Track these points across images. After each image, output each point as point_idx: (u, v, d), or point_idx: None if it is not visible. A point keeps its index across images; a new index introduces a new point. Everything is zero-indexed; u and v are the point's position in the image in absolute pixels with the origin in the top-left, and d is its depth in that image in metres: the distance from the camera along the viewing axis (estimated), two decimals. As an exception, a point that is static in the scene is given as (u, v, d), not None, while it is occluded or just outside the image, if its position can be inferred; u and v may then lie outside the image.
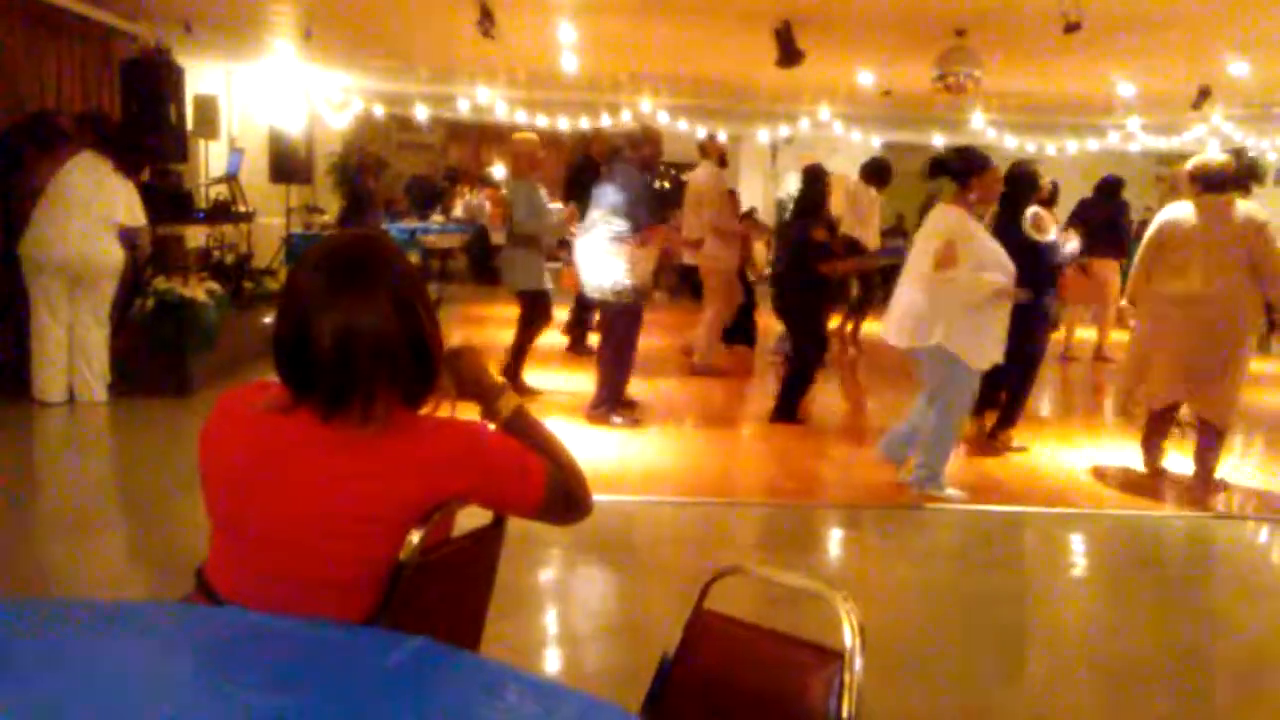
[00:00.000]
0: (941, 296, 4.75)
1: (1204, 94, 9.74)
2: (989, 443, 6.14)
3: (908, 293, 4.97)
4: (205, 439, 1.66)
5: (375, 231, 1.95)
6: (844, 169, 15.76)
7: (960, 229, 4.81)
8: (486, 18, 7.47)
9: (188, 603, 1.68)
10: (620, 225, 5.97)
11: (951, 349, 4.75)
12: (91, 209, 6.09)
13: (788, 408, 6.61)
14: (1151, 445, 5.67)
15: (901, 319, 4.97)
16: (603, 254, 6.03)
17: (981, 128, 14.73)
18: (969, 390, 4.97)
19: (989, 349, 4.84)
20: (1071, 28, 6.63)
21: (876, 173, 9.17)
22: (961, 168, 4.93)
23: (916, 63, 8.42)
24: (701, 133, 15.17)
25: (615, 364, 6.34)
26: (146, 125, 7.72)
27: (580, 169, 8.65)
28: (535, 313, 7.05)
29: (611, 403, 6.36)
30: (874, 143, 17.21)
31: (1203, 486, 5.37)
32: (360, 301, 1.53)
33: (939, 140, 16.76)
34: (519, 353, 7.05)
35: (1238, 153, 6.08)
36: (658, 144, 6.39)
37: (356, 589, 1.58)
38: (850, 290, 9.59)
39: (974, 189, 4.91)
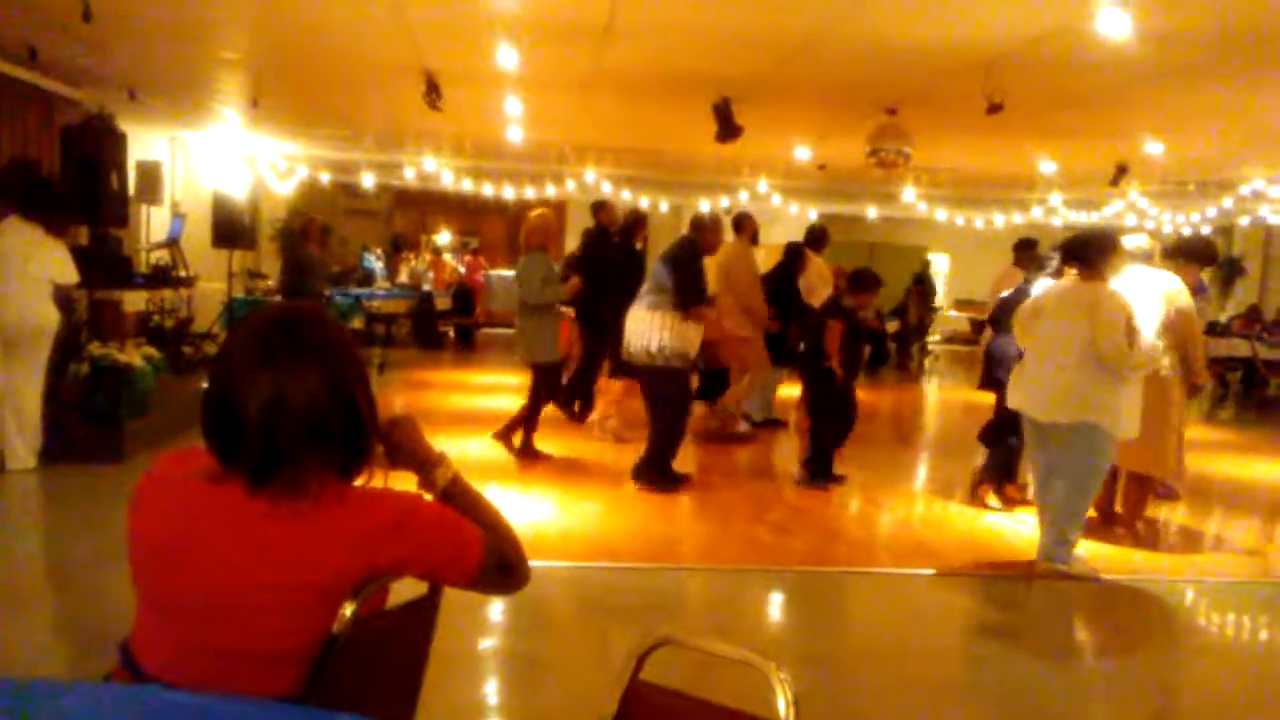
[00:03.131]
0: (1090, 371, 4.84)
1: (1121, 171, 10.22)
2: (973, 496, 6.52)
3: (1049, 367, 5.02)
4: (134, 507, 1.64)
5: (311, 302, 1.93)
6: (782, 239, 16.15)
7: (1128, 306, 4.90)
8: (433, 90, 7.62)
9: (110, 679, 1.64)
10: (670, 296, 6.26)
11: (1101, 424, 4.86)
12: (26, 271, 6.02)
13: (816, 470, 6.82)
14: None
15: (1047, 392, 5.02)
16: (652, 319, 6.27)
17: (913, 201, 15.25)
18: (1108, 462, 5.08)
19: (1134, 416, 4.96)
20: (994, 109, 6.95)
21: (816, 238, 9.41)
22: (1093, 254, 5.02)
23: (850, 139, 8.73)
24: (645, 202, 15.49)
25: (663, 427, 6.45)
26: (85, 190, 7.67)
27: (593, 238, 8.87)
28: (550, 384, 7.16)
29: (661, 470, 6.44)
30: (810, 214, 17.68)
31: (1131, 523, 5.90)
32: (289, 373, 1.55)
33: (873, 212, 17.29)
34: (530, 422, 7.15)
35: (1202, 236, 6.66)
36: (721, 231, 6.82)
37: (286, 662, 1.56)
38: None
39: (1109, 270, 5.02)
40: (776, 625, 4.69)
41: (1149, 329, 5.16)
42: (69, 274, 6.30)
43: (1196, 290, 6.20)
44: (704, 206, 17.59)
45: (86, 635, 3.82)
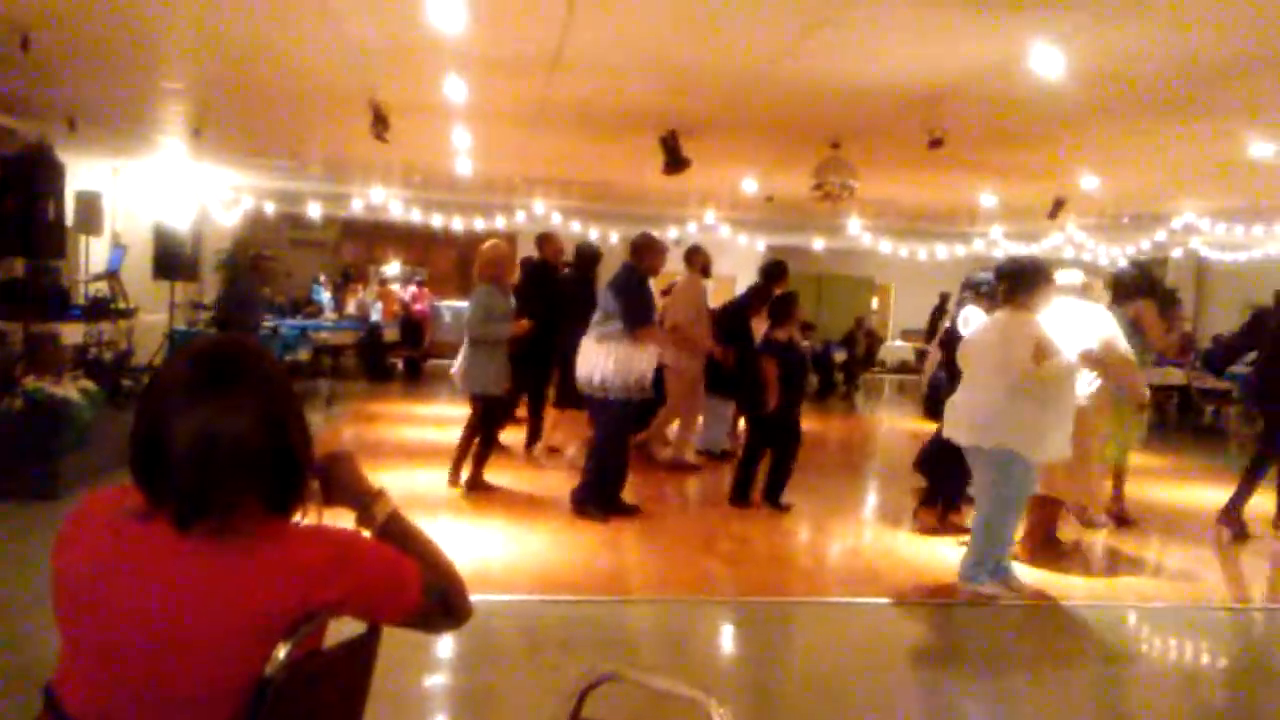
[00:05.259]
0: (1011, 397, 4.93)
1: (1059, 205, 10.49)
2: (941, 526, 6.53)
3: (974, 393, 5.13)
4: (59, 546, 1.59)
5: (244, 336, 1.87)
6: (731, 271, 16.29)
7: (1042, 330, 5.04)
8: (380, 122, 7.59)
9: (34, 725, 1.59)
10: (616, 324, 6.27)
11: (1016, 447, 4.95)
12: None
13: (776, 494, 6.97)
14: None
15: (970, 417, 5.12)
16: (598, 349, 6.30)
17: (858, 233, 15.49)
18: (1027, 486, 5.17)
19: (1057, 443, 5.04)
20: (935, 143, 7.12)
21: (773, 272, 9.50)
22: (1025, 280, 5.18)
23: (796, 172, 8.87)
24: (594, 234, 15.57)
25: (602, 457, 6.46)
26: (20, 220, 7.51)
27: (533, 270, 8.86)
28: (491, 416, 7.12)
29: (594, 497, 6.44)
30: (759, 246, 17.86)
31: (1031, 545, 5.94)
32: (220, 407, 1.50)
33: (819, 244, 17.54)
34: (482, 455, 7.10)
35: (1139, 265, 6.93)
36: (661, 253, 6.79)
37: (218, 706, 1.52)
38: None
39: (1037, 301, 5.16)
40: (723, 656, 4.68)
41: (1070, 356, 5.28)
42: None
43: (1136, 326, 6.45)
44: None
45: (13, 678, 3.69)
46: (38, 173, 7.69)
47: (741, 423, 9.56)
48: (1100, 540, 6.65)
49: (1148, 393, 5.97)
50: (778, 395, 6.80)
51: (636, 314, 6.32)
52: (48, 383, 6.58)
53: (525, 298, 8.04)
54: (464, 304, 7.71)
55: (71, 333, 8.93)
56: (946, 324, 7.03)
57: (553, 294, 8.46)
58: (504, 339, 7.09)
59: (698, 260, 8.73)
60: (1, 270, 7.31)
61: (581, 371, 6.41)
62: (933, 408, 6.76)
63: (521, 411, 8.93)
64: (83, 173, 10.76)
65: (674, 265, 8.55)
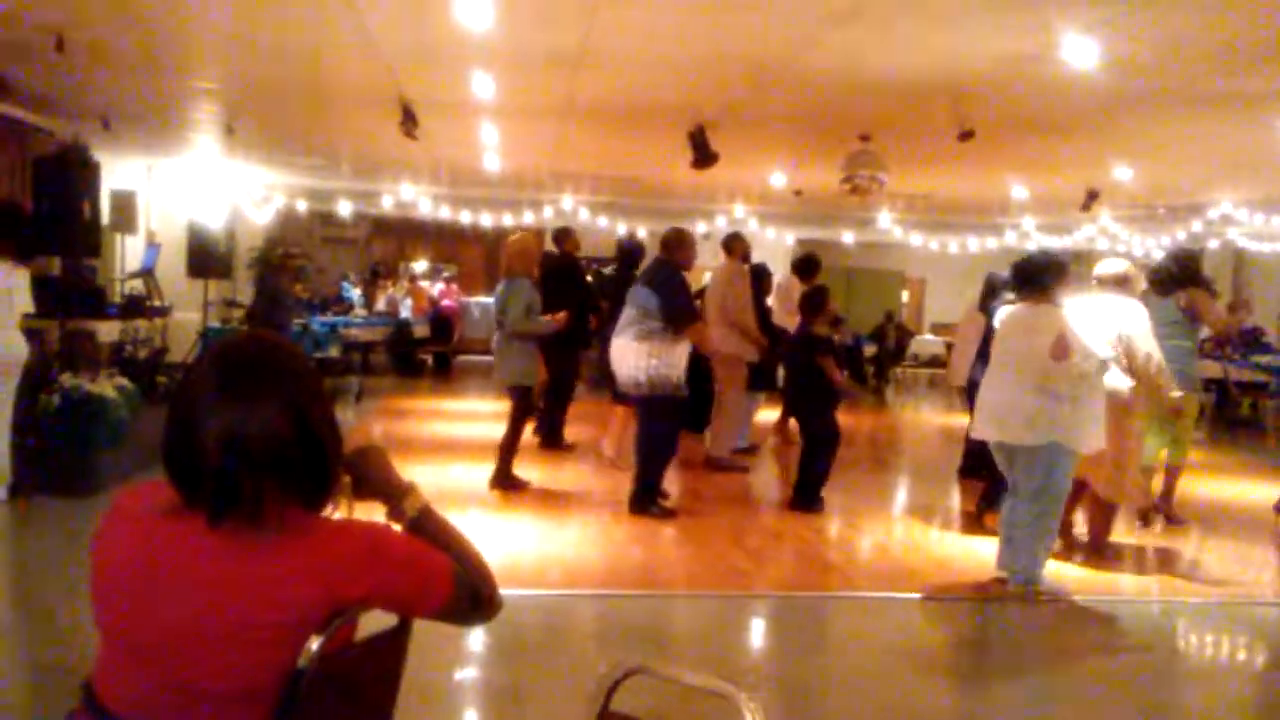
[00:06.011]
0: (1049, 392, 4.88)
1: (1092, 196, 10.35)
2: (978, 524, 6.43)
3: (1011, 391, 5.05)
4: (96, 542, 1.61)
5: (272, 333, 1.88)
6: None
7: (1067, 323, 4.99)
8: (409, 119, 7.64)
9: (72, 718, 1.60)
10: (657, 321, 6.23)
11: (1065, 442, 4.91)
12: (-6, 302, 5.97)
13: (809, 496, 6.86)
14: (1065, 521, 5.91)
15: (1008, 416, 5.04)
16: (639, 348, 6.26)
17: (888, 227, 15.37)
18: (1069, 480, 5.12)
19: (1096, 434, 5.01)
20: (965, 135, 7.05)
21: (805, 267, 9.46)
22: (1046, 273, 5.13)
23: (825, 165, 8.83)
24: (622, 229, 15.57)
25: (652, 454, 6.46)
26: (57, 220, 7.63)
27: (555, 265, 8.88)
28: (524, 408, 7.13)
29: (648, 493, 6.44)
30: (787, 240, 17.76)
31: (1096, 550, 5.91)
32: (250, 406, 1.52)
33: (849, 237, 17.41)
34: (509, 448, 7.09)
35: (1176, 255, 6.79)
36: (693, 246, 6.74)
37: (251, 700, 1.53)
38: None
39: (1057, 293, 5.11)
40: (754, 652, 4.67)
41: (1101, 352, 5.19)
42: (25, 303, 6.25)
43: (1192, 316, 6.35)
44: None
45: (54, 672, 3.75)
46: (73, 172, 7.79)
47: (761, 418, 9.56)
48: (1140, 538, 6.56)
49: (1176, 396, 5.75)
50: (825, 389, 6.77)
51: (681, 312, 6.27)
52: (84, 380, 6.67)
53: (549, 292, 8.05)
54: (491, 300, 7.68)
55: (107, 331, 9.06)
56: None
57: (577, 289, 8.46)
58: (543, 334, 7.07)
59: (738, 248, 8.61)
60: (38, 269, 7.41)
61: (622, 372, 6.39)
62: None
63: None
64: (118, 172, 10.92)
65: (702, 259, 8.51)
